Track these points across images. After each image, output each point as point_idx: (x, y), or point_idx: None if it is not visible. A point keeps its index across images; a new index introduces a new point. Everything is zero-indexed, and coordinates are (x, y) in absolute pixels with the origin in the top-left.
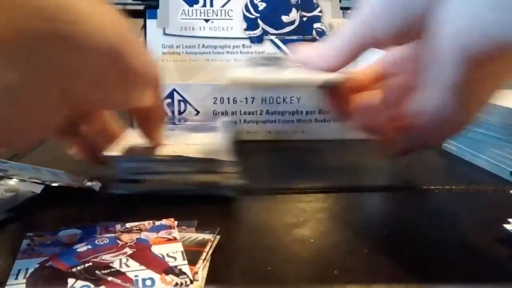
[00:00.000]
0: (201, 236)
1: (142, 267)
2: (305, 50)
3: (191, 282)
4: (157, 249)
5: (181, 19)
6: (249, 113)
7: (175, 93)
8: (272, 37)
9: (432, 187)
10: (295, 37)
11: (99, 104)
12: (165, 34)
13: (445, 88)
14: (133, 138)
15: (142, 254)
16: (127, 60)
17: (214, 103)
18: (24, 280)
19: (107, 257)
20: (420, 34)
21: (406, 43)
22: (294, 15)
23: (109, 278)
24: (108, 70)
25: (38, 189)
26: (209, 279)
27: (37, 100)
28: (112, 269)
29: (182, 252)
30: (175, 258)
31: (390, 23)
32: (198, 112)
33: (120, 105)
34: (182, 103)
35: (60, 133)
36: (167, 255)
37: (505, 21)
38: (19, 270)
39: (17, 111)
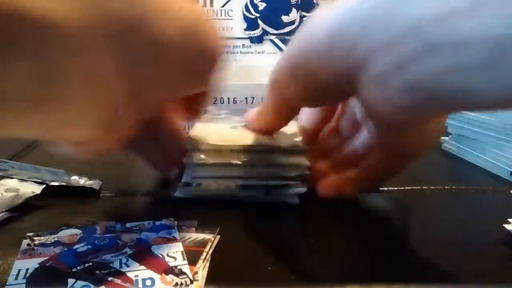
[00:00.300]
0: (201, 236)
1: (142, 267)
2: (249, 114)
3: (191, 282)
4: (157, 249)
5: None
6: None
7: None
8: (272, 37)
9: (432, 187)
10: None
11: (180, 93)
12: None
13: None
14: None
15: (142, 254)
16: (205, 41)
17: (214, 103)
18: (24, 280)
19: (107, 257)
20: (341, 95)
21: (330, 103)
22: (294, 15)
23: (109, 278)
24: (190, 54)
25: (38, 189)
26: (209, 279)
27: (125, 95)
28: (112, 269)
29: (182, 252)
30: (175, 258)
31: (298, 89)
32: None
33: (193, 90)
34: None
35: (133, 141)
36: (167, 255)
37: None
38: (19, 270)
39: (106, 106)
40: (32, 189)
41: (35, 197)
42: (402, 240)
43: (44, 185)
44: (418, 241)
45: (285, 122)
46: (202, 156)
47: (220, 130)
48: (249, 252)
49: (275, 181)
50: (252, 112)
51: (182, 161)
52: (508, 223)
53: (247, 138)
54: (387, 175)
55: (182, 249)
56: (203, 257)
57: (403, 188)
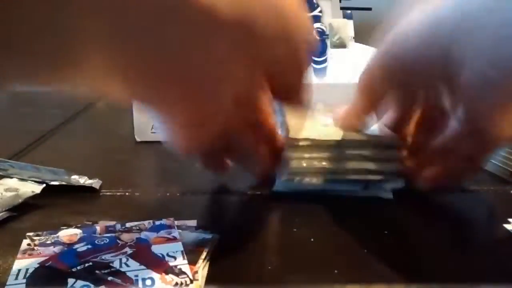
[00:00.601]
0: (201, 236)
1: (142, 266)
2: (339, 112)
3: (191, 281)
4: (157, 249)
5: None
6: None
7: None
8: None
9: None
10: None
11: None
12: None
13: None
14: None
15: (142, 253)
16: (290, 20)
17: None
18: (24, 280)
19: (107, 257)
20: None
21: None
22: None
23: (109, 278)
24: (271, 35)
25: (38, 188)
26: (209, 279)
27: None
28: (112, 269)
29: (182, 251)
30: (175, 258)
31: (388, 80)
32: None
33: (281, 80)
34: None
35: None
36: (167, 254)
37: None
38: (19, 270)
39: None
40: (32, 188)
41: (35, 196)
42: (402, 240)
43: (44, 185)
44: (418, 241)
45: (370, 113)
46: (300, 151)
47: (314, 127)
48: (249, 252)
49: (373, 176)
50: (342, 111)
51: (277, 161)
52: (508, 223)
53: (341, 133)
54: (480, 163)
55: (182, 249)
56: (203, 257)
57: (403, 188)
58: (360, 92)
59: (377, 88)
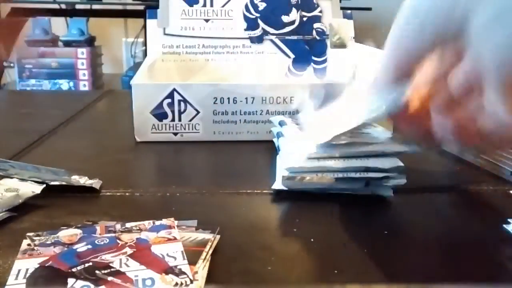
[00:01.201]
0: (201, 236)
1: (142, 267)
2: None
3: (191, 281)
4: (157, 249)
5: (181, 19)
6: (249, 113)
7: (175, 93)
8: (272, 37)
9: (432, 187)
10: (295, 37)
11: None
12: (165, 34)
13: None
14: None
15: (142, 254)
16: None
17: (214, 103)
18: (24, 280)
19: (107, 257)
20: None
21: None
22: (294, 15)
23: (109, 278)
24: None
25: (38, 188)
26: (209, 279)
27: None
28: (112, 269)
29: (182, 251)
30: (175, 258)
31: (415, 47)
32: (198, 112)
33: None
34: (182, 103)
35: None
36: (167, 255)
37: None
38: (19, 270)
39: None
40: (32, 189)
41: (35, 196)
42: (403, 240)
43: (44, 185)
44: (418, 241)
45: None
46: (303, 150)
47: (316, 125)
48: (249, 252)
49: (374, 173)
50: (371, 80)
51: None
52: (508, 223)
53: (343, 133)
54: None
55: (182, 249)
56: (203, 257)
57: (403, 188)
58: (390, 56)
59: (410, 45)
